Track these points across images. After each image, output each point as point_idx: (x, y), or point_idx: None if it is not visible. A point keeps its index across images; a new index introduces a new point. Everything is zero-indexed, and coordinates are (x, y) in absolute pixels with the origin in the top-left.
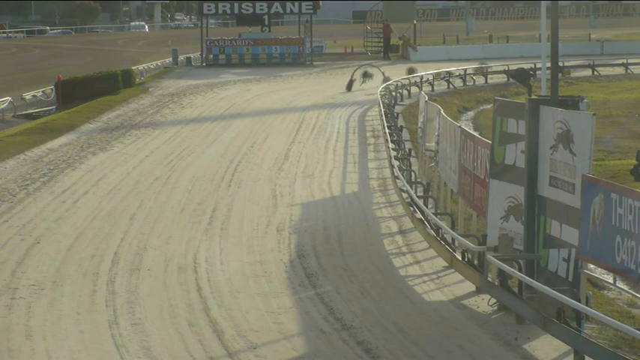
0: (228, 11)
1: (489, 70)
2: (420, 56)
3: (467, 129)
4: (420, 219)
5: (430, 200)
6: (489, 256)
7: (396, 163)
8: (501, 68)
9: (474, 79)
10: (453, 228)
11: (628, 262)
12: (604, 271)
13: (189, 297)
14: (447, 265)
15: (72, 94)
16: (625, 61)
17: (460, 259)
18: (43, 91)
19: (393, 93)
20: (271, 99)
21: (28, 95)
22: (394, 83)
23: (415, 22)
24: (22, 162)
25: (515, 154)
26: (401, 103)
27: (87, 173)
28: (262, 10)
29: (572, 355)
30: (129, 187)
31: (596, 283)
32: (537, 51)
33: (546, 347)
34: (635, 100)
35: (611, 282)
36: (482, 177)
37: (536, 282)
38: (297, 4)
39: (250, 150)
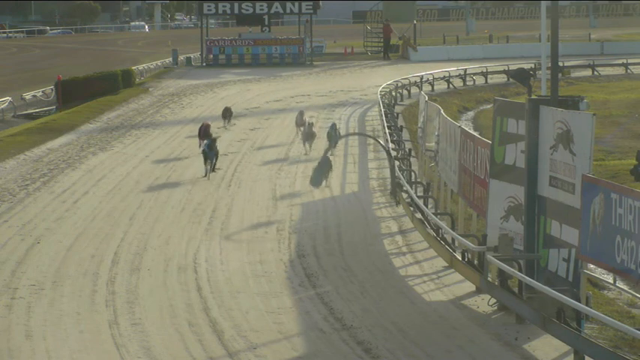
0: (228, 11)
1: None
2: (420, 56)
3: (467, 129)
4: (420, 219)
5: (430, 200)
6: (489, 256)
7: (396, 163)
8: (501, 68)
9: (474, 79)
10: (453, 228)
11: (628, 262)
12: (604, 271)
13: (189, 297)
14: (447, 265)
15: (72, 94)
16: (625, 61)
17: (460, 259)
18: (43, 91)
19: (393, 93)
20: (271, 99)
21: (28, 95)
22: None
23: (415, 22)
24: (22, 162)
25: (515, 154)
26: (401, 103)
27: (87, 173)
28: (262, 10)
29: (572, 355)
30: (129, 187)
31: (596, 283)
32: (537, 51)
33: (546, 347)
34: (635, 100)
35: (611, 282)
36: (483, 177)
37: (536, 282)
38: (297, 4)
39: (250, 150)
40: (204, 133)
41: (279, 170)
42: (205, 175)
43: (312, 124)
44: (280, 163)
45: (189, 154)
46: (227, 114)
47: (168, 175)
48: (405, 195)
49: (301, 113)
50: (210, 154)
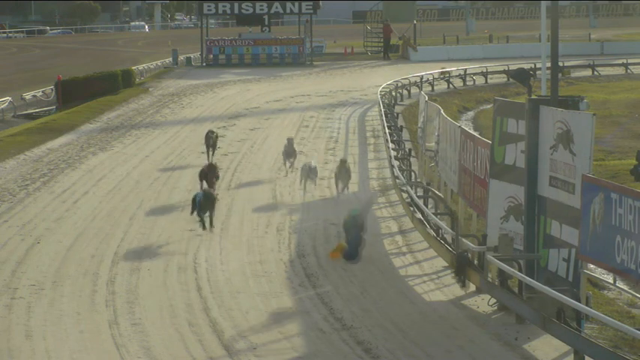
0: (228, 11)
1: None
2: (420, 56)
3: (467, 129)
4: (420, 219)
5: (430, 200)
6: (489, 256)
7: (396, 163)
8: (501, 68)
9: (474, 79)
10: (453, 228)
11: (628, 262)
12: (604, 271)
13: (189, 297)
14: (447, 265)
15: (72, 94)
16: (625, 61)
17: None
18: (43, 91)
19: (393, 93)
20: (271, 99)
21: (28, 95)
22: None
23: (415, 22)
24: (22, 162)
25: (515, 154)
26: (401, 103)
27: (87, 173)
28: (262, 10)
29: (572, 355)
30: (129, 187)
31: (596, 283)
32: (537, 51)
33: (546, 347)
34: (635, 100)
35: (611, 282)
36: (482, 177)
37: (536, 282)
38: (297, 4)
39: (250, 150)
40: (208, 173)
41: (279, 170)
42: (205, 228)
43: (315, 167)
44: (280, 162)
45: (189, 154)
46: (210, 141)
47: (168, 175)
48: (404, 195)
49: (290, 142)
50: (205, 205)
